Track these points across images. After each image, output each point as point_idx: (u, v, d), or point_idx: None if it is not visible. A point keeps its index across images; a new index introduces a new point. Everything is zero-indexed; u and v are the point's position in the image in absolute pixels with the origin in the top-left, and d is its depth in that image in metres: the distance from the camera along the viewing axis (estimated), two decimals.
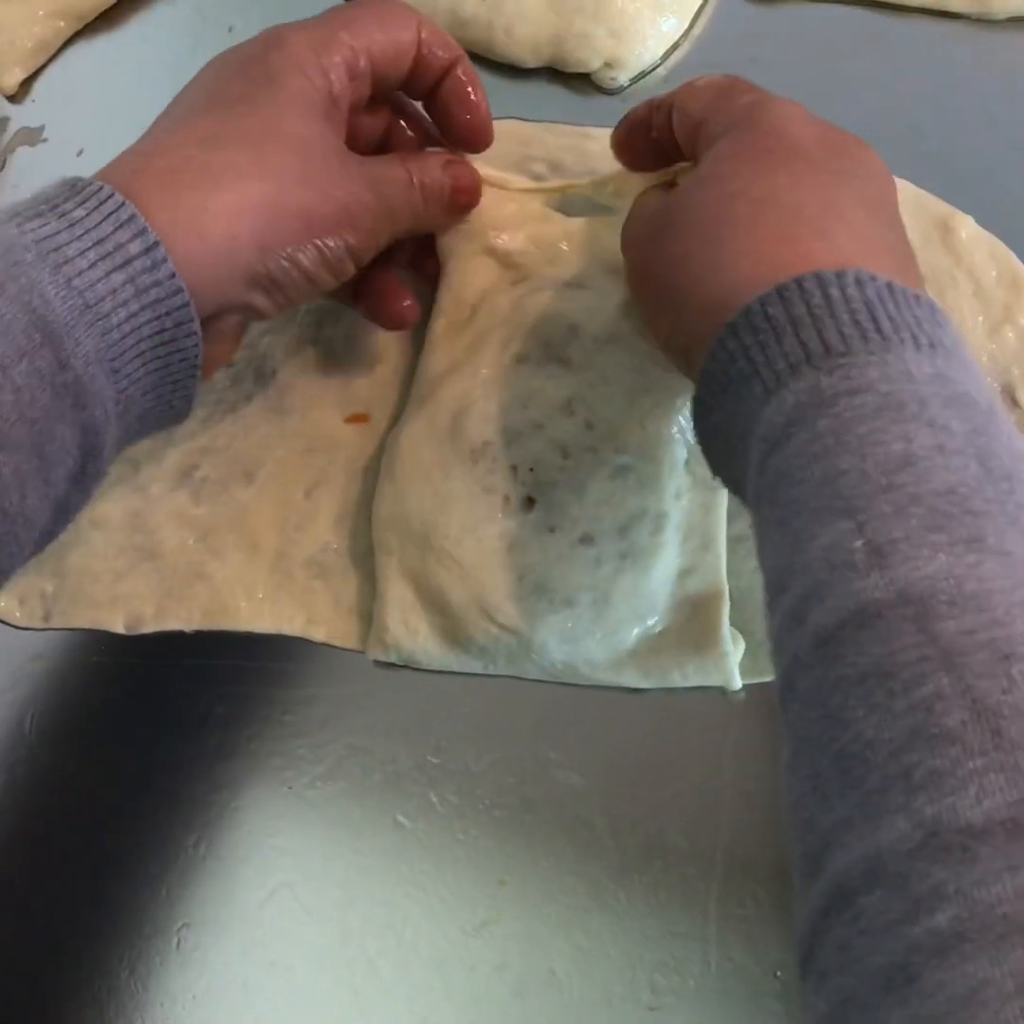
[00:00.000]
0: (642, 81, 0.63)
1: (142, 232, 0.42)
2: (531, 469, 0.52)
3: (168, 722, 0.54)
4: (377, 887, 0.51)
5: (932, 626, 0.32)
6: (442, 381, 0.54)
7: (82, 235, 0.42)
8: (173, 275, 0.43)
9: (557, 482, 0.52)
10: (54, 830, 0.54)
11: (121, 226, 0.42)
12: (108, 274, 0.42)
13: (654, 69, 0.64)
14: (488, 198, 0.56)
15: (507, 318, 0.54)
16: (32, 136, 0.66)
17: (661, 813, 0.51)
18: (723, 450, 0.43)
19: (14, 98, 0.68)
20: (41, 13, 0.67)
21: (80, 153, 0.65)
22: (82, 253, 0.41)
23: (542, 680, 0.53)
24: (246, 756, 0.54)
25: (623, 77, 0.63)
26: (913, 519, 0.34)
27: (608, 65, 0.63)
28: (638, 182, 0.54)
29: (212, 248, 0.44)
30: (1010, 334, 0.56)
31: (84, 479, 0.44)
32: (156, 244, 0.42)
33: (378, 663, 0.54)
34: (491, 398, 0.53)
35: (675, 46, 0.64)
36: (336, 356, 0.59)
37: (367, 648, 0.54)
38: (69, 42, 0.69)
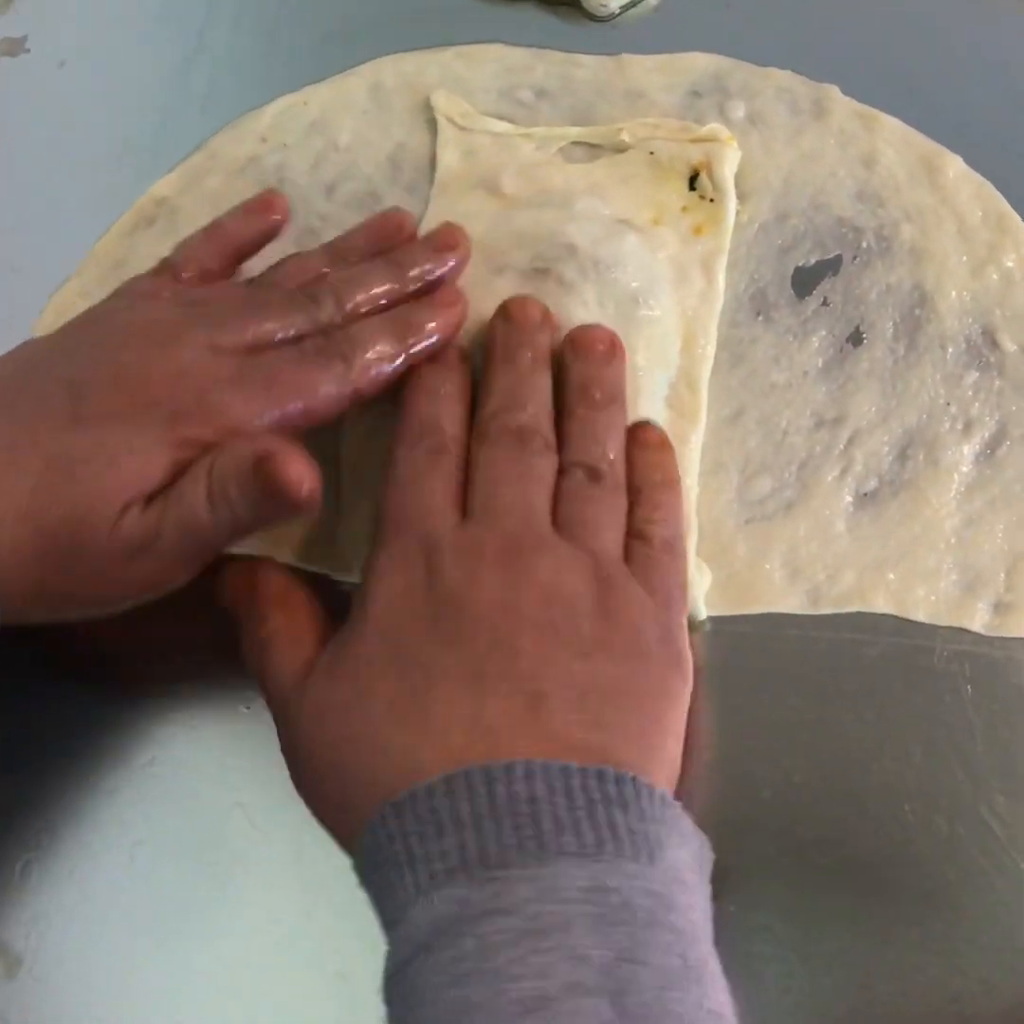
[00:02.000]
0: (634, 9, 0.62)
1: None
2: None
3: (128, 642, 0.53)
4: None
5: None
6: None
7: None
8: None
9: None
10: (7, 745, 0.53)
11: None
12: None
13: None
14: (488, 145, 0.57)
15: (492, 229, 0.54)
16: (14, 46, 0.65)
17: None
18: (376, 907, 0.40)
19: None
20: None
21: (62, 64, 0.64)
22: None
23: None
24: (204, 676, 0.53)
25: (614, 3, 0.62)
26: None
27: None
28: (649, 129, 0.55)
29: None
30: (994, 275, 0.55)
31: None
32: None
33: (346, 586, 0.53)
34: (470, 312, 0.52)
35: None
36: None
37: (332, 568, 0.53)
38: None
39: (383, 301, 0.49)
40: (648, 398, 0.52)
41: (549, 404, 0.49)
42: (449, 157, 0.59)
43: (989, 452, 0.53)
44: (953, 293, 0.55)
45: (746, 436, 0.54)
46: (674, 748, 0.44)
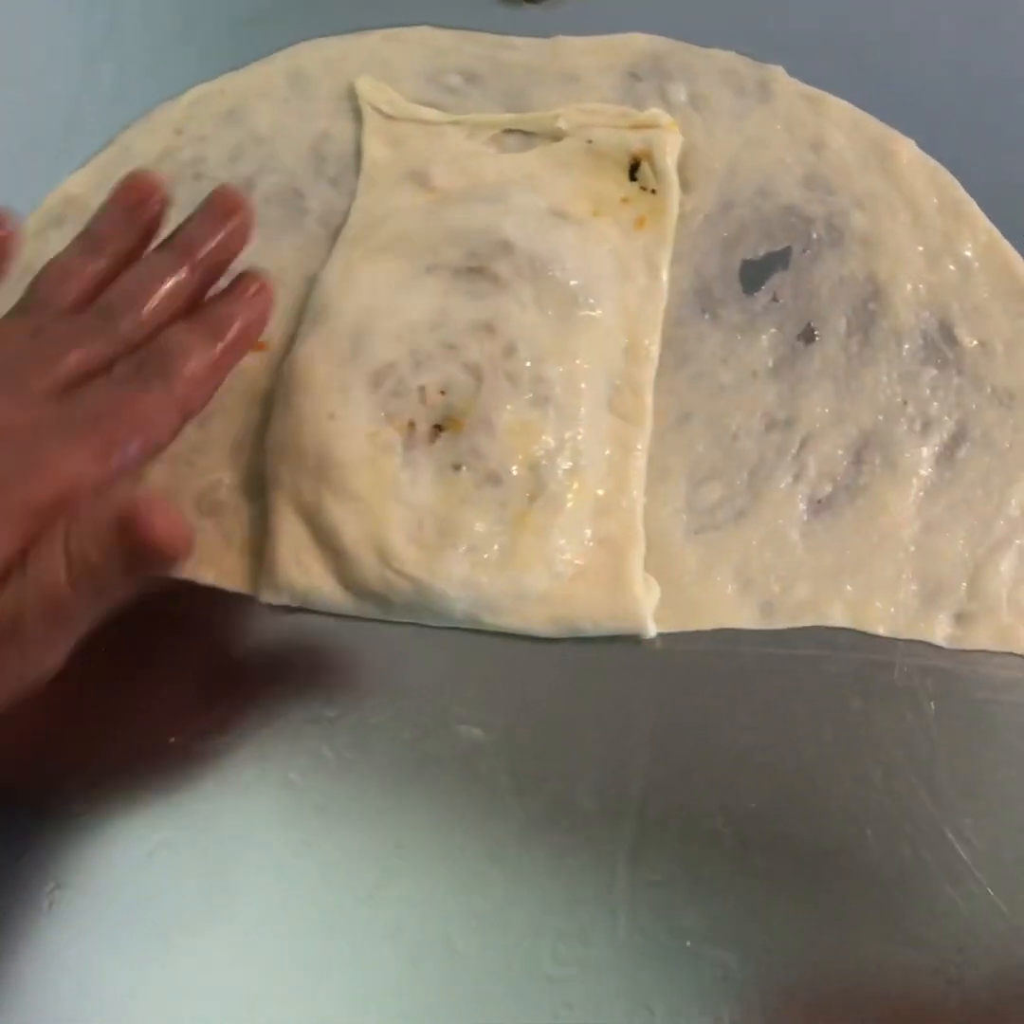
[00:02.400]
0: None
1: None
2: (442, 392, 0.49)
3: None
4: (264, 849, 0.48)
5: None
6: (342, 295, 0.51)
7: None
8: None
9: (468, 409, 0.49)
10: None
11: None
12: None
13: None
14: (417, 134, 0.54)
15: (422, 225, 0.51)
16: None
17: (569, 771, 0.48)
18: None
19: None
20: None
21: None
22: None
23: (445, 626, 0.49)
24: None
25: None
26: None
27: None
28: (586, 115, 0.52)
29: None
30: (951, 266, 0.53)
31: None
32: None
33: (271, 607, 0.50)
34: (397, 314, 0.49)
35: None
36: None
37: (258, 590, 0.50)
38: None
39: (176, 291, 0.47)
40: (592, 403, 0.50)
41: None
42: (375, 148, 0.56)
43: (949, 454, 0.51)
44: (908, 285, 0.53)
45: (694, 441, 0.51)
46: None
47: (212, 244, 0.47)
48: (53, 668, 0.41)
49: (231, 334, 0.46)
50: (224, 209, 0.48)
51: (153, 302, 0.46)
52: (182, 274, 0.47)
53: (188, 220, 0.49)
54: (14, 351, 0.45)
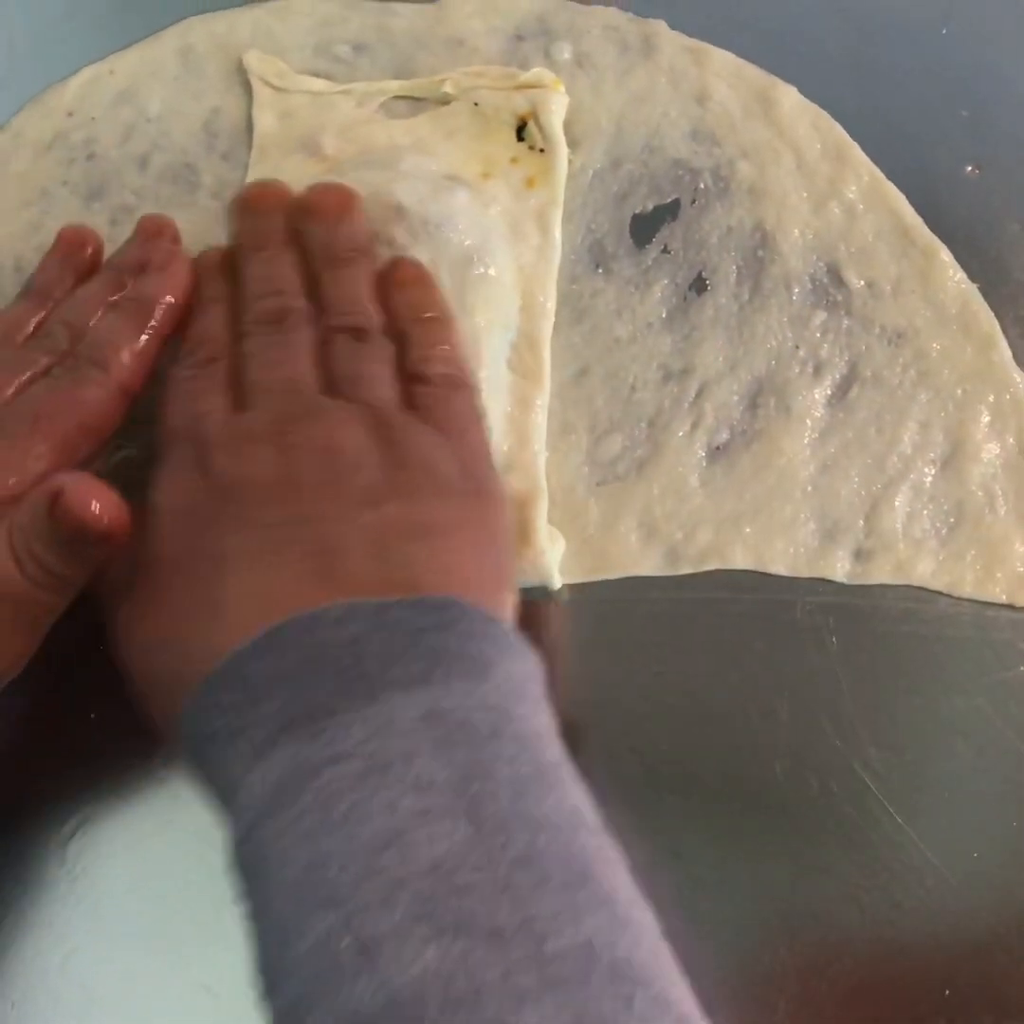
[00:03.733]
0: None
1: None
2: None
3: None
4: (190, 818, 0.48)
5: None
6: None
7: None
8: None
9: None
10: None
11: None
12: None
13: None
14: (307, 105, 0.55)
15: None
16: None
17: None
18: (211, 791, 0.37)
19: None
20: None
21: None
22: None
23: None
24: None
25: None
26: (400, 908, 0.31)
27: None
28: (472, 78, 0.52)
29: None
30: (836, 209, 0.54)
31: None
32: None
33: None
34: None
35: None
36: None
37: None
38: None
39: (109, 301, 0.47)
40: (490, 361, 0.51)
41: (298, 279, 0.48)
42: (266, 120, 0.56)
43: (841, 394, 0.52)
44: (795, 231, 0.53)
45: (593, 395, 0.52)
46: (494, 573, 0.42)
47: (143, 260, 0.48)
48: (17, 665, 0.41)
49: (157, 311, 0.47)
50: (152, 230, 0.49)
51: (85, 315, 0.46)
52: (113, 289, 0.47)
53: (117, 252, 0.49)
54: None
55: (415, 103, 0.56)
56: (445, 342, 0.47)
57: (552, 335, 0.52)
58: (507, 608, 0.41)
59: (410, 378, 0.45)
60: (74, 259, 0.49)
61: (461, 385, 0.46)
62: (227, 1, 0.59)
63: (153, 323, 0.46)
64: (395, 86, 0.56)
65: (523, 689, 0.37)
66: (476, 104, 0.55)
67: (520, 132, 0.54)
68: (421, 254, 0.50)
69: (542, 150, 0.54)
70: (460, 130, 0.55)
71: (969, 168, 0.55)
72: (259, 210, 0.50)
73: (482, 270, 0.51)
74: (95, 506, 0.39)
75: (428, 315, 0.48)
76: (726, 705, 0.49)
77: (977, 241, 0.54)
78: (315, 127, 0.55)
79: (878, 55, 0.57)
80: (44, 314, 0.47)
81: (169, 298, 0.47)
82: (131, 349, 0.46)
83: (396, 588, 0.38)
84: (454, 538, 0.41)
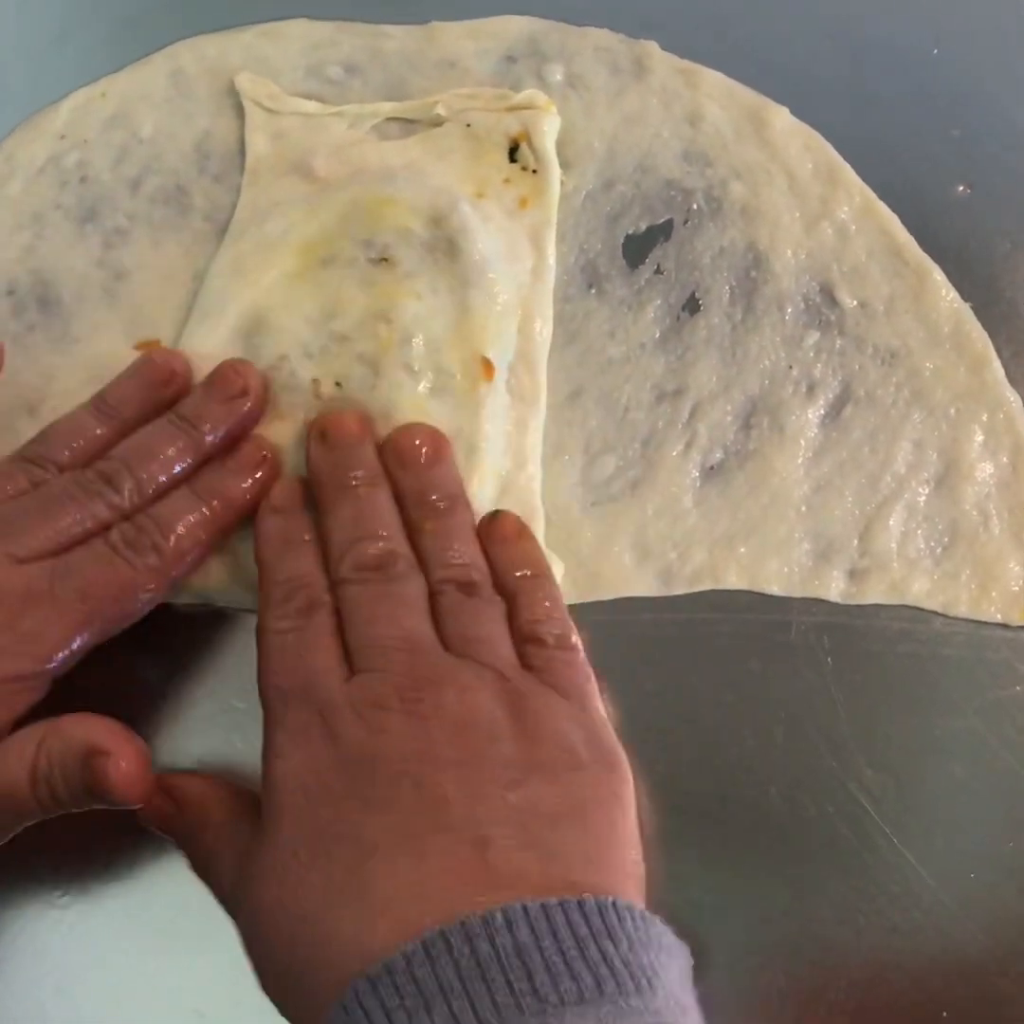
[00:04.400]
0: None
1: None
2: (338, 384, 0.49)
3: None
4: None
5: None
6: (231, 288, 0.51)
7: None
8: None
9: (365, 401, 0.49)
10: None
11: None
12: None
13: None
14: (299, 127, 0.55)
15: (311, 214, 0.51)
16: None
17: None
18: None
19: None
20: None
21: None
22: None
23: None
24: None
25: None
26: None
27: None
28: (464, 100, 0.52)
29: None
30: (828, 229, 0.54)
31: None
32: None
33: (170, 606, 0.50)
34: (288, 306, 0.50)
35: None
36: (124, 279, 0.55)
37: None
38: None
39: (179, 466, 0.46)
40: (488, 384, 0.50)
41: (397, 521, 0.46)
42: (258, 143, 0.56)
43: (834, 414, 0.52)
44: (788, 251, 0.53)
45: (586, 416, 0.52)
46: (634, 854, 0.41)
47: (219, 423, 0.47)
48: None
49: (230, 510, 0.46)
50: (235, 389, 0.48)
51: (152, 469, 0.46)
52: (186, 449, 0.46)
53: (195, 391, 0.48)
54: (14, 502, 0.45)
55: (407, 125, 0.56)
56: (550, 599, 0.46)
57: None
58: (643, 883, 0.40)
59: (524, 638, 0.45)
60: (157, 390, 0.48)
61: (574, 647, 0.45)
62: (219, 24, 0.59)
63: (223, 523, 0.46)
64: (388, 108, 0.56)
65: (684, 999, 0.36)
66: (468, 125, 0.55)
67: (512, 153, 0.54)
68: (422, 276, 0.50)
69: (535, 171, 0.54)
70: (453, 151, 0.55)
71: (960, 188, 0.55)
72: (341, 443, 0.48)
73: (483, 291, 0.51)
74: (127, 780, 0.40)
75: (532, 572, 0.47)
76: (721, 726, 0.49)
77: (969, 261, 0.54)
78: (307, 149, 0.55)
79: (869, 76, 0.57)
80: (109, 431, 0.47)
81: (248, 499, 0.47)
82: (194, 541, 0.45)
83: (552, 882, 0.37)
84: (594, 817, 0.40)
